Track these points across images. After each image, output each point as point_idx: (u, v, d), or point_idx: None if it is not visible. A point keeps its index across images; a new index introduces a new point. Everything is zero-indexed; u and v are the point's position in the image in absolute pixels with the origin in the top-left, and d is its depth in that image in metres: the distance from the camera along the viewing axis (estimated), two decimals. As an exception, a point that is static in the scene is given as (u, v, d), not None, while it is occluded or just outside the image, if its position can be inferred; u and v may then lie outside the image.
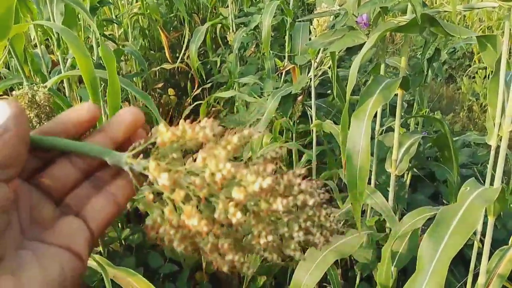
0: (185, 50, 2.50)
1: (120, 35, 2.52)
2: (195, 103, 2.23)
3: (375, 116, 1.08)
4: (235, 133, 0.31)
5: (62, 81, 1.63)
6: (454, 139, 1.13)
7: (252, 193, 0.29)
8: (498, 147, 0.85)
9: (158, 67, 2.62)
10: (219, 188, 0.30)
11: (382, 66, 0.98)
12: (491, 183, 0.88)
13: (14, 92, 0.82)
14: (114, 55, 1.79)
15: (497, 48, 0.79)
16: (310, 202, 0.31)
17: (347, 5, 0.89)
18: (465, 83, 3.00)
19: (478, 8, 0.73)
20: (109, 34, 2.38)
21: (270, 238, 0.30)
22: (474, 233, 0.97)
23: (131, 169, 0.32)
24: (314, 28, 1.06)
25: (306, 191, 0.31)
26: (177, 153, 0.32)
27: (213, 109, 2.37)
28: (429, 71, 0.93)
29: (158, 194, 0.31)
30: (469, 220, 0.71)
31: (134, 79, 2.34)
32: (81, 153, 0.33)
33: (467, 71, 3.16)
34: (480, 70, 2.97)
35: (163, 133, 0.32)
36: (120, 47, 2.03)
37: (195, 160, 0.31)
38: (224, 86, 2.20)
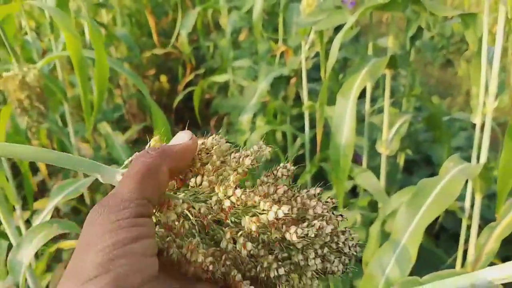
0: (175, 35, 2.54)
1: (109, 21, 2.56)
2: (188, 90, 2.27)
3: (365, 96, 1.14)
4: (246, 155, 0.30)
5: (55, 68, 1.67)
6: (445, 118, 1.19)
7: (266, 223, 0.28)
8: (483, 125, 0.91)
9: (149, 53, 2.66)
10: (226, 217, 0.29)
11: (370, 45, 1.03)
12: (478, 161, 0.94)
13: (4, 74, 0.87)
14: (105, 40, 1.83)
15: (479, 27, 0.84)
16: (328, 229, 0.29)
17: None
18: (462, 67, 3.06)
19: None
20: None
21: (281, 271, 0.29)
22: (463, 211, 1.02)
23: None
24: (304, 8, 1.11)
25: (322, 215, 0.30)
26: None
27: (206, 96, 2.42)
28: (412, 49, 0.98)
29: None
30: (449, 193, 0.76)
31: (125, 64, 2.39)
32: (69, 166, 0.30)
33: (463, 55, 3.21)
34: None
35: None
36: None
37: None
38: (218, 71, 2.25)
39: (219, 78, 1.81)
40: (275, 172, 0.32)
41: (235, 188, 0.29)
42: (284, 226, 0.28)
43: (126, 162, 0.31)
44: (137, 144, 2.13)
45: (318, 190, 0.32)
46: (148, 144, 0.32)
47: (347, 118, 0.91)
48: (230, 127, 1.97)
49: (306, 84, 1.33)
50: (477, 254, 1.02)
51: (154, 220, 0.30)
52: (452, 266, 1.12)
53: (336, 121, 0.92)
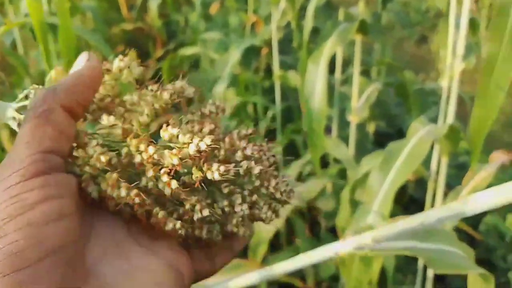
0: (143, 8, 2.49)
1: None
2: (159, 66, 2.24)
3: (335, 65, 1.14)
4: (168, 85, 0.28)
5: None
6: (415, 88, 1.21)
7: (187, 157, 0.25)
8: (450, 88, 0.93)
9: (118, 29, 2.60)
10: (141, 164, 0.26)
11: (341, 11, 1.04)
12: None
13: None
14: (70, 12, 1.79)
15: (447, -11, 0.85)
16: (256, 170, 0.27)
17: None
18: (434, 43, 3.11)
19: None
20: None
21: (205, 212, 0.27)
22: (429, 174, 1.05)
23: (19, 126, 0.27)
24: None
25: (252, 156, 0.28)
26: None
27: (178, 72, 2.39)
28: (383, 13, 0.99)
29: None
30: (417, 153, 0.78)
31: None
32: None
33: (436, 30, 3.26)
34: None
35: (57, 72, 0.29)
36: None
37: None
38: (188, 45, 2.22)
39: (189, 51, 1.79)
40: (202, 109, 0.30)
41: (149, 140, 0.26)
42: (205, 164, 0.26)
43: (20, 96, 0.28)
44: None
45: (250, 130, 0.30)
46: (48, 76, 0.28)
47: (318, 84, 0.91)
48: (201, 101, 1.95)
49: (277, 55, 1.33)
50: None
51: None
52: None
53: (308, 88, 0.92)
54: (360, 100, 1.11)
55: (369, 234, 0.43)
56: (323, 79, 0.90)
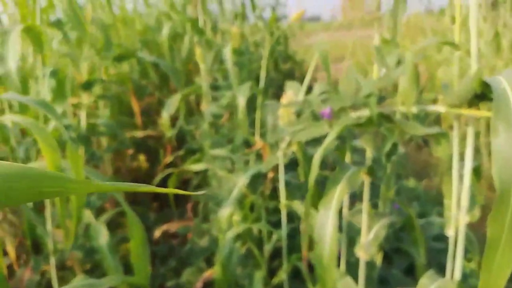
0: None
1: (90, 103, 2.58)
2: (167, 171, 2.28)
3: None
4: None
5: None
6: (420, 222, 1.20)
7: None
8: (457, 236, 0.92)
9: (130, 135, 2.67)
10: None
11: (348, 154, 1.06)
12: (452, 273, 0.94)
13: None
14: (89, 130, 1.85)
15: (450, 144, 0.87)
16: None
17: (311, 99, 0.98)
18: (436, 149, 3.14)
19: (429, 111, 0.82)
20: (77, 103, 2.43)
21: None
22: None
23: None
24: (282, 115, 1.14)
25: None
26: None
27: (184, 177, 2.42)
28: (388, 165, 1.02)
29: None
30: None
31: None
32: None
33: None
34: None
35: None
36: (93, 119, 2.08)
37: None
38: (198, 152, 2.26)
39: (196, 167, 1.82)
40: None
41: None
42: None
43: None
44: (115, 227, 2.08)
45: None
46: None
47: (328, 232, 0.90)
48: (206, 213, 1.95)
49: (283, 181, 1.34)
50: None
51: None
52: None
53: (319, 232, 0.91)
54: (369, 237, 1.10)
55: None
56: (333, 228, 0.89)
